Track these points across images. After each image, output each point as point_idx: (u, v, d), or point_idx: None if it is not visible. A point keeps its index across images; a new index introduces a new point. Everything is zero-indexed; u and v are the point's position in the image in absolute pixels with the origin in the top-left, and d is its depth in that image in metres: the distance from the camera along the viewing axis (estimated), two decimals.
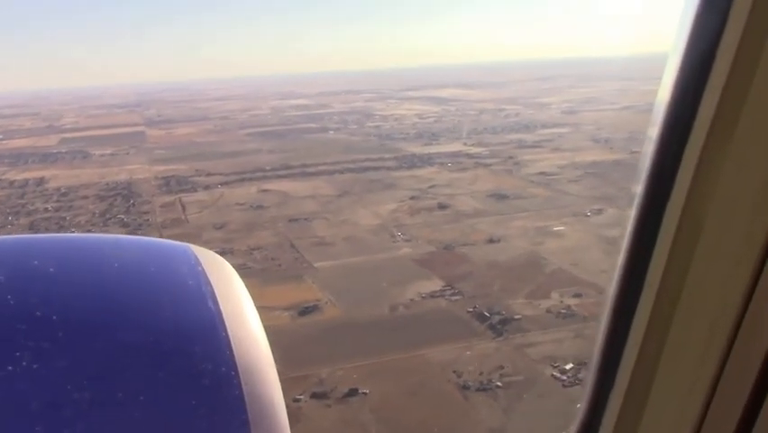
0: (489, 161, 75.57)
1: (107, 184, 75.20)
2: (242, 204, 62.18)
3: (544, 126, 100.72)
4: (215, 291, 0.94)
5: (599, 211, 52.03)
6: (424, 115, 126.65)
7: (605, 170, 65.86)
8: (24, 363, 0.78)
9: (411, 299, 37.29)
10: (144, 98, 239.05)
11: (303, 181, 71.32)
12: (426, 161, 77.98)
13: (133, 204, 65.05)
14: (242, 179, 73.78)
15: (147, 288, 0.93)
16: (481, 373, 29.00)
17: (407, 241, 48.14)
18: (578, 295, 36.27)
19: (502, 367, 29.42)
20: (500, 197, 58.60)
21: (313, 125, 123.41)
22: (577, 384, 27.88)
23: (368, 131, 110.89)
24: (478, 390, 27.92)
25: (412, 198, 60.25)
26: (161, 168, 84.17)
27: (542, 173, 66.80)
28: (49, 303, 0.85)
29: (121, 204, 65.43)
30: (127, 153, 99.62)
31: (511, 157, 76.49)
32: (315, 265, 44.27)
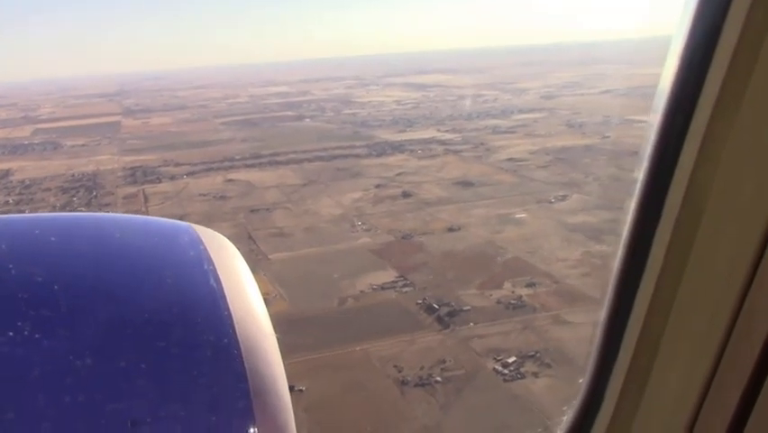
0: (459, 147, 74.57)
1: (73, 176, 73.73)
2: (205, 194, 61.02)
3: (521, 111, 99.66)
4: (217, 269, 0.94)
5: (564, 197, 51.14)
6: (402, 102, 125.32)
7: (574, 156, 65.00)
8: (26, 333, 0.80)
9: (362, 291, 36.39)
10: (126, 88, 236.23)
11: (270, 171, 70.14)
12: (398, 148, 76.86)
13: (96, 196, 63.77)
14: (210, 169, 72.48)
15: (149, 265, 0.94)
16: (422, 368, 28.14)
17: (367, 230, 47.17)
18: (531, 285, 35.44)
19: (444, 361, 28.56)
20: (466, 184, 57.64)
21: (290, 113, 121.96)
22: (518, 378, 27.12)
23: (344, 118, 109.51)
24: (416, 385, 27.08)
25: (377, 186, 59.21)
26: (130, 158, 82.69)
27: (511, 159, 65.86)
28: (51, 276, 0.86)
29: (83, 196, 64.12)
30: (99, 144, 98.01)
31: (482, 143, 75.47)
32: (270, 257, 43.27)
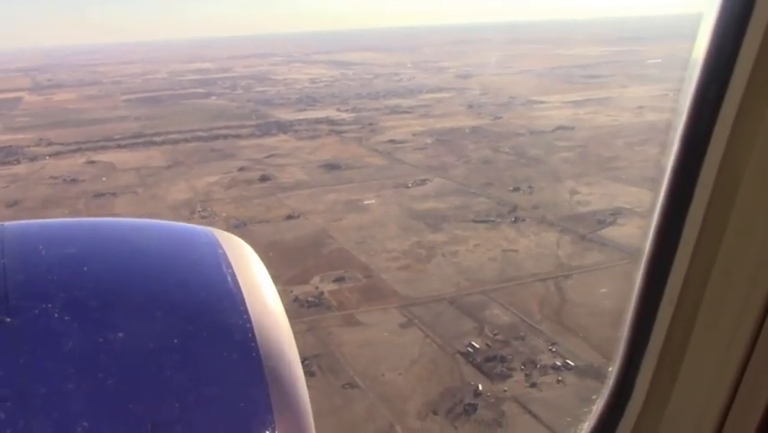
0: (347, 127, 71.35)
1: None
2: (56, 177, 56.52)
3: (430, 91, 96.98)
4: (236, 272, 0.97)
5: (423, 182, 48.43)
6: (317, 80, 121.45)
7: (457, 138, 62.50)
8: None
9: None
10: (51, 62, 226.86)
11: (142, 151, 65.91)
12: (285, 127, 73.25)
13: None
14: (80, 149, 67.83)
15: (169, 269, 0.97)
16: None
17: (204, 218, 43.70)
18: (340, 279, 32.57)
19: None
20: (332, 167, 54.46)
21: (199, 90, 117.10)
22: None
23: (251, 96, 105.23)
24: None
25: (240, 169, 55.65)
26: (6, 137, 77.31)
27: (391, 141, 62.91)
28: (74, 281, 0.89)
29: None
30: None
31: (372, 123, 72.35)
32: None
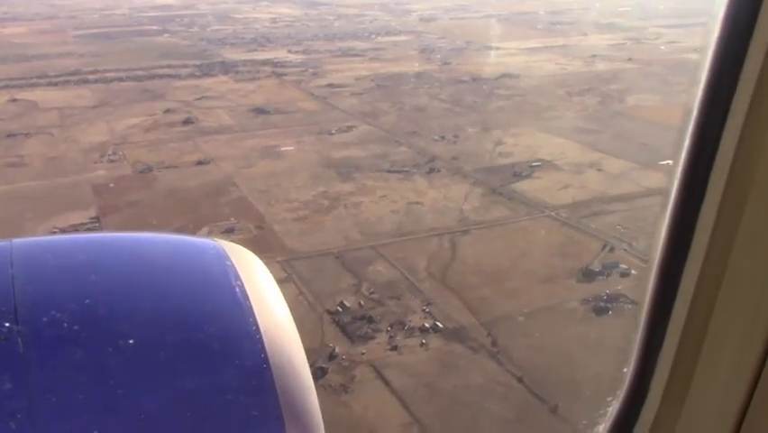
0: (291, 70, 68.44)
1: None
2: None
3: (389, 34, 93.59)
4: (245, 285, 1.01)
5: (349, 129, 46.45)
6: (279, 19, 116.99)
7: (398, 83, 60.19)
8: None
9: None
10: None
11: (71, 90, 62.94)
12: (228, 68, 70.17)
13: None
14: (7, 87, 64.52)
15: (179, 283, 0.99)
16: None
17: (112, 162, 41.62)
18: (229, 230, 30.96)
19: None
20: (260, 111, 52.11)
21: (154, 28, 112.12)
22: None
23: (206, 35, 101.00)
24: None
25: (166, 111, 53.06)
26: None
27: (330, 85, 60.40)
28: (85, 297, 0.90)
29: None
30: None
31: (317, 66, 69.56)
32: None
